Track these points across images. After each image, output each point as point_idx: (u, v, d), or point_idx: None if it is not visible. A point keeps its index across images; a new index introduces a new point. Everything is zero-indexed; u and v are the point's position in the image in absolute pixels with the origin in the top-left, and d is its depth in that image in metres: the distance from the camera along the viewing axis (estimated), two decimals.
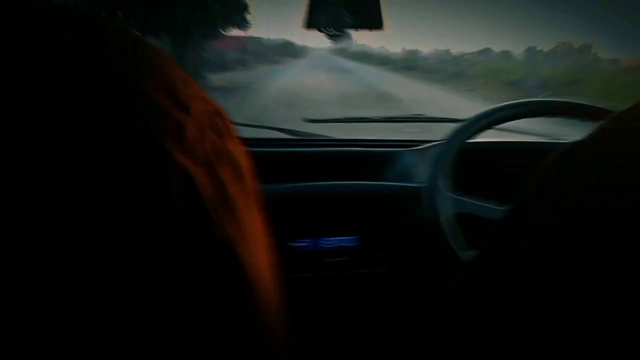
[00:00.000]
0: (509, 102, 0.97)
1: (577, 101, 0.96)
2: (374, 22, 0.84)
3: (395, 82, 13.99)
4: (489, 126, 0.97)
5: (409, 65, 21.56)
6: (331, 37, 0.84)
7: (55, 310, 0.15)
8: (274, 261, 0.23)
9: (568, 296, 0.22)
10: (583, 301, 0.21)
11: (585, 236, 0.22)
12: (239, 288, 0.19)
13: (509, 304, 0.24)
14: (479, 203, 0.97)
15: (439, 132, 1.04)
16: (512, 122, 0.98)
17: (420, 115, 1.37)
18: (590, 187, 0.24)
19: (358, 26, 0.85)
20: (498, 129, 1.01)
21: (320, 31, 0.83)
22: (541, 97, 0.98)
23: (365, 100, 8.21)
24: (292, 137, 1.22)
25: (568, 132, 1.24)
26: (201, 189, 0.19)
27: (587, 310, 0.21)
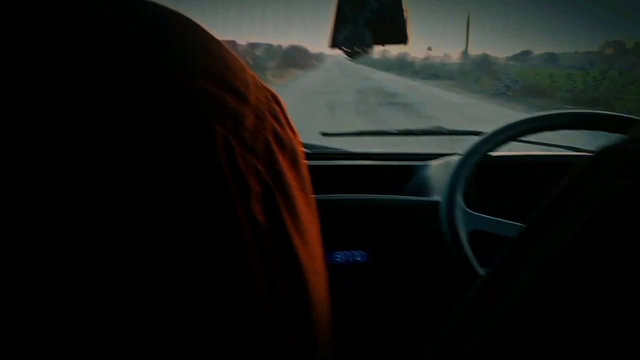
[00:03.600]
0: (529, 116, 0.97)
1: (597, 112, 0.95)
2: (399, 36, 0.83)
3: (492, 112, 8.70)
4: (508, 140, 0.96)
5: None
6: (354, 54, 0.83)
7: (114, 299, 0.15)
8: (323, 249, 0.22)
9: (589, 307, 0.21)
10: (605, 312, 0.21)
11: (609, 245, 0.22)
12: (295, 277, 0.19)
13: (528, 315, 0.24)
14: (497, 220, 0.95)
15: (460, 146, 1.04)
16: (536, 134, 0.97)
17: (441, 127, 1.36)
18: (616, 195, 0.24)
19: (383, 41, 0.84)
20: (521, 140, 0.99)
21: (345, 50, 0.83)
22: (568, 109, 0.97)
23: None
24: (308, 151, 1.20)
25: (595, 144, 1.21)
26: (258, 181, 0.18)
27: (604, 321, 0.21)
